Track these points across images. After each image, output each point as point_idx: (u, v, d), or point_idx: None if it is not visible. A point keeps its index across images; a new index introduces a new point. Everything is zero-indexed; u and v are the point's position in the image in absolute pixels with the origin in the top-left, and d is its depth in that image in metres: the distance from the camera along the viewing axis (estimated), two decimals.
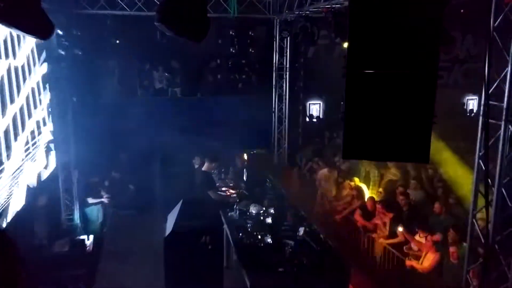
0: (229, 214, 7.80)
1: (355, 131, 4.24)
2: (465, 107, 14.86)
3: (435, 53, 4.07)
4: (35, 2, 3.33)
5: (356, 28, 4.15)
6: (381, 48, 4.11)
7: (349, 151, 4.37)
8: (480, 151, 4.84)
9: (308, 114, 14.61)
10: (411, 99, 4.09)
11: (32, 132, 7.91)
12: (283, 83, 11.90)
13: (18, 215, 6.31)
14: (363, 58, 4.15)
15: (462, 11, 10.63)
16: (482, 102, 4.69)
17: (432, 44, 4.07)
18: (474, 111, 14.27)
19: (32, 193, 7.15)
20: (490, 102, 4.65)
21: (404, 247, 7.68)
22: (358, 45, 4.17)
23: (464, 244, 5.72)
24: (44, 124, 8.83)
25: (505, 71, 4.59)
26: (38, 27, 3.37)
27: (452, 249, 6.55)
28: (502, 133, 4.67)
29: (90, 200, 9.44)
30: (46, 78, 8.81)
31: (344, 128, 4.24)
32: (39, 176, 8.23)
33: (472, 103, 14.77)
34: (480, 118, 4.74)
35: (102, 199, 9.57)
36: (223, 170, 9.91)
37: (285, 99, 12.02)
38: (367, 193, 9.78)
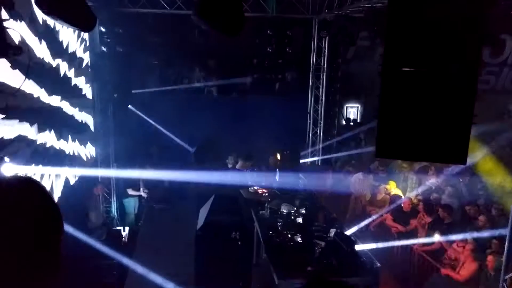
0: (260, 212, 7.81)
1: (389, 129, 4.16)
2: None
3: (477, 52, 3.95)
4: None
5: (395, 25, 4.07)
6: (419, 46, 4.01)
7: (383, 150, 4.29)
8: None
9: (345, 117, 14.44)
10: (449, 99, 3.97)
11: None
12: (319, 84, 11.81)
13: (67, 198, 6.42)
14: (401, 56, 4.07)
15: None
16: None
17: (474, 43, 3.95)
18: None
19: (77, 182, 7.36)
20: None
21: (442, 257, 7.44)
22: (396, 42, 4.09)
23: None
24: None
25: None
26: (82, 19, 3.50)
27: (490, 258, 6.31)
28: None
29: (130, 192, 9.73)
30: (89, 75, 9.15)
31: (377, 126, 4.17)
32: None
33: None
34: None
35: (141, 193, 9.84)
36: (255, 169, 9.93)
37: (321, 100, 11.91)
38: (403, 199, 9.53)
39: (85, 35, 8.44)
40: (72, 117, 7.20)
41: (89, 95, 8.87)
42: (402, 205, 8.78)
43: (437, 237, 7.62)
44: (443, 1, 3.98)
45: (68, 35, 6.61)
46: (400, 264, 8.18)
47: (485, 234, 7.23)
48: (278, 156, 9.32)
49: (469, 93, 3.94)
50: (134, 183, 9.84)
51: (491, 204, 8.34)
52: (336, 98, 13.47)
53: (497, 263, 5.93)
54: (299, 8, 10.77)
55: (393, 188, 10.00)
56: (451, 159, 4.36)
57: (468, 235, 7.18)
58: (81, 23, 3.60)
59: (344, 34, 10.33)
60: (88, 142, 8.60)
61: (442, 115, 4.02)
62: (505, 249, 5.00)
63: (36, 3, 3.31)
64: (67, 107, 6.73)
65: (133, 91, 10.68)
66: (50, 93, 5.60)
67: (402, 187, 10.08)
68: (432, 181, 9.79)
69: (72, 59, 7.26)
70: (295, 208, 7.76)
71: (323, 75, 11.66)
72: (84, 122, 8.26)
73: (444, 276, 7.00)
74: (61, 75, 6.39)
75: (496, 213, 7.98)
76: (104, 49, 9.13)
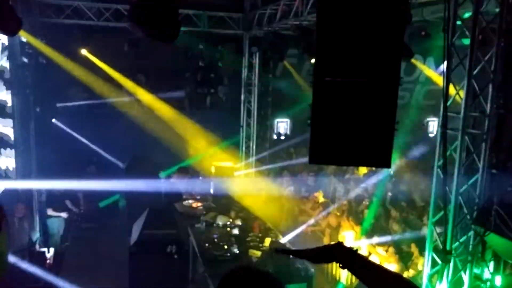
0: (195, 225, 7.72)
1: (321, 136, 4.35)
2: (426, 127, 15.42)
3: (397, 64, 4.32)
4: None
5: (323, 38, 4.31)
6: (346, 58, 4.28)
7: (315, 156, 4.47)
8: (438, 160, 5.06)
9: (275, 131, 14.79)
10: (374, 107, 4.25)
11: None
12: (251, 98, 12.02)
13: None
14: (330, 67, 4.30)
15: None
16: (441, 113, 4.92)
17: (395, 56, 4.31)
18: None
19: None
20: (449, 113, 4.90)
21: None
22: (325, 54, 4.32)
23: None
24: None
25: (462, 84, 4.86)
26: (5, 23, 3.32)
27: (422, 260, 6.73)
28: (459, 143, 4.91)
29: (50, 212, 9.14)
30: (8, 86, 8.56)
31: (310, 134, 4.36)
32: None
33: (433, 124, 15.36)
34: (439, 128, 4.96)
35: (61, 214, 9.25)
36: (189, 182, 9.84)
37: (253, 114, 12.12)
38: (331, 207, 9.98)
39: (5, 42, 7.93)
40: None
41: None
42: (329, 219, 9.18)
43: (363, 241, 8.03)
44: (365, 17, 4.31)
45: None
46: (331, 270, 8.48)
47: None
48: (213, 169, 9.31)
49: (391, 101, 4.26)
50: (58, 203, 9.28)
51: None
52: (268, 112, 13.76)
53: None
54: (230, 24, 10.98)
55: (320, 197, 10.48)
56: (378, 163, 4.66)
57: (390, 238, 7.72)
58: (5, 27, 3.41)
59: (273, 50, 10.64)
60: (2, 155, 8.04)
61: (368, 123, 4.29)
62: (427, 247, 5.40)
63: None
64: None
65: (58, 105, 10.14)
66: None
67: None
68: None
69: None
70: (231, 220, 7.78)
71: (254, 89, 11.90)
72: None
73: None
74: None
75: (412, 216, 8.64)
76: (25, 60, 8.61)
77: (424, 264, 5.56)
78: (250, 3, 10.90)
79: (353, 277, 7.71)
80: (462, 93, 4.99)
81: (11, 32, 3.46)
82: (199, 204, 8.64)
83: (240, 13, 11.03)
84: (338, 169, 11.67)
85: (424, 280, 5.44)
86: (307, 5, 7.92)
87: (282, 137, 14.73)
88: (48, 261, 8.07)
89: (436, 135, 14.72)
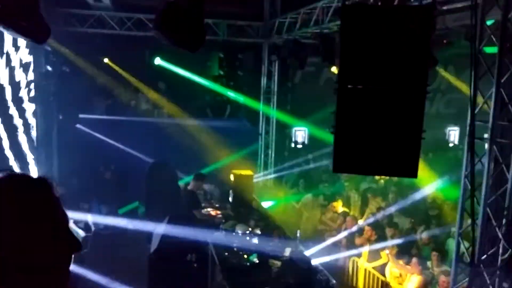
0: (214, 234, 7.69)
1: (345, 145, 4.31)
2: (447, 137, 15.16)
3: (425, 72, 4.26)
4: (33, 6, 3.34)
5: (348, 46, 4.29)
6: (371, 66, 4.25)
7: (339, 165, 4.44)
8: (466, 169, 4.94)
9: (293, 140, 14.74)
10: (400, 115, 4.20)
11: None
12: (270, 106, 12.02)
13: None
14: (354, 75, 4.28)
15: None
16: (468, 122, 4.82)
17: (421, 64, 4.25)
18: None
19: None
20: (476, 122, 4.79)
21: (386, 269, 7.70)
22: (349, 62, 4.30)
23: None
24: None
25: (490, 91, 4.74)
26: (35, 30, 3.38)
27: (443, 278, 6.55)
28: (487, 153, 4.79)
29: (71, 224, 9.19)
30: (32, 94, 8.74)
31: (334, 142, 4.31)
32: None
33: (453, 133, 15.09)
34: (466, 138, 4.85)
35: (80, 232, 9.27)
36: (208, 191, 9.84)
37: (272, 122, 12.11)
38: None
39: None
40: None
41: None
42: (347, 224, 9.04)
43: (384, 253, 7.87)
44: (390, 25, 4.26)
45: None
46: (351, 281, 8.34)
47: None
48: (232, 177, 9.29)
49: (418, 110, 4.19)
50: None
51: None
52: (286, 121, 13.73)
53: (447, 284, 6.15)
54: (249, 32, 11.02)
55: (339, 206, 10.36)
56: (403, 172, 4.59)
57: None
58: (35, 34, 3.47)
59: (293, 58, 10.62)
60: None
61: (394, 131, 4.24)
62: (453, 258, 5.26)
63: None
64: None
65: (80, 116, 10.29)
66: None
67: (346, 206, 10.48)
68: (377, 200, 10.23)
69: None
70: (250, 229, 7.73)
71: (273, 98, 11.89)
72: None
73: None
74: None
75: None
76: (49, 68, 8.79)
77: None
78: (269, 11, 10.94)
79: None
80: (490, 102, 4.88)
81: (40, 40, 3.52)
82: (218, 212, 8.61)
83: (259, 22, 11.07)
84: (352, 177, 11.55)
85: None
86: (328, 13, 7.90)
87: (299, 146, 14.67)
88: None
89: (456, 144, 14.54)
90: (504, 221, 4.72)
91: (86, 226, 9.51)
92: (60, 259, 1.04)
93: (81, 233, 9.05)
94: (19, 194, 1.00)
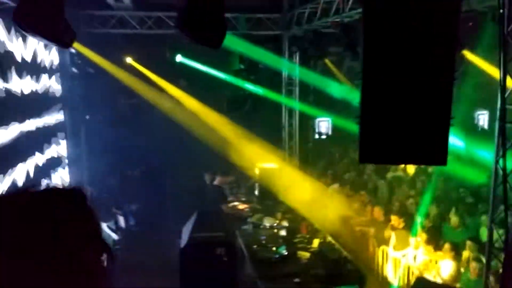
0: (242, 227, 7.77)
1: (371, 135, 4.25)
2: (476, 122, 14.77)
3: (451, 59, 4.14)
4: (59, 11, 3.41)
5: (371, 35, 4.21)
6: (396, 54, 4.16)
7: (366, 155, 4.38)
8: (497, 154, 4.81)
9: (317, 131, 14.64)
10: (428, 102, 4.11)
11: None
12: (292, 98, 11.96)
13: None
14: (379, 64, 4.20)
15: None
16: (499, 106, 4.69)
17: (449, 50, 4.14)
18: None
19: None
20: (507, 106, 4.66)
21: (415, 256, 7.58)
22: (373, 51, 4.22)
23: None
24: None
25: None
26: (62, 34, 3.45)
27: (474, 264, 6.42)
28: None
29: (104, 227, 9.40)
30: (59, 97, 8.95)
31: (360, 132, 4.26)
32: None
33: (483, 117, 14.70)
34: (497, 122, 4.72)
35: (112, 235, 9.46)
36: (234, 184, 9.91)
37: (295, 114, 12.05)
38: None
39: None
40: None
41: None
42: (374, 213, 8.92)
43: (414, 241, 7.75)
44: (415, 11, 4.16)
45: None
46: (380, 269, 8.27)
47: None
48: (257, 171, 9.32)
49: (446, 97, 4.09)
50: (110, 215, 9.50)
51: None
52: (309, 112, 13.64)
53: (478, 270, 6.03)
54: (269, 24, 10.97)
55: (366, 196, 10.14)
56: (432, 160, 4.51)
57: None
58: (61, 39, 3.55)
59: (314, 49, 10.53)
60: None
61: (422, 119, 4.15)
62: (486, 245, 5.15)
63: (14, 19, 3.24)
64: None
65: (106, 113, 10.48)
66: None
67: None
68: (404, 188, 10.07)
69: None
70: (278, 221, 7.77)
71: (295, 89, 11.83)
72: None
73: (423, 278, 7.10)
74: None
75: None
76: (75, 70, 8.98)
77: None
78: (288, 3, 10.85)
79: (406, 279, 7.50)
80: None
81: (66, 44, 3.60)
82: (245, 206, 8.68)
83: (278, 14, 11.01)
84: (379, 167, 11.41)
85: (484, 280, 5.19)
86: (349, 1, 7.78)
87: (323, 136, 14.57)
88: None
89: (486, 129, 14.14)
90: None
91: (117, 228, 9.73)
92: (91, 266, 1.07)
93: (114, 236, 9.25)
94: (54, 209, 1.03)
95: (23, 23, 3.26)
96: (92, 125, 10.03)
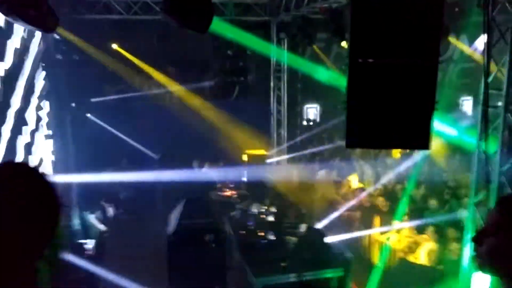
0: (231, 214, 7.82)
1: (357, 120, 4.29)
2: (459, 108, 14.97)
3: (436, 43, 4.18)
4: None
5: (358, 20, 4.22)
6: (382, 39, 4.18)
7: (352, 140, 4.43)
8: (480, 138, 4.89)
9: (305, 118, 14.69)
10: (413, 87, 4.15)
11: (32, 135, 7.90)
12: (281, 85, 11.95)
13: None
14: (365, 48, 4.22)
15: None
16: (481, 91, 4.75)
17: (434, 34, 4.17)
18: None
19: None
20: (490, 91, 4.72)
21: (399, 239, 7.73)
22: (360, 35, 4.23)
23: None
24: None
25: (503, 59, 4.65)
26: (44, 19, 3.40)
27: (456, 245, 6.56)
28: (501, 121, 4.72)
29: (92, 220, 9.33)
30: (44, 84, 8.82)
31: (346, 118, 4.30)
32: None
33: (468, 103, 14.89)
34: (480, 106, 4.79)
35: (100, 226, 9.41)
36: (222, 171, 9.93)
37: (284, 101, 12.05)
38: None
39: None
40: None
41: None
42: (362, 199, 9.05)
43: (395, 224, 7.90)
44: None
45: None
46: (366, 254, 8.42)
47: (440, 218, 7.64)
48: (245, 157, 9.35)
49: (430, 82, 4.14)
50: (96, 205, 9.42)
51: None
52: (298, 98, 13.68)
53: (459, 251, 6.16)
54: (257, 10, 10.89)
55: (353, 181, 10.31)
56: (416, 145, 4.58)
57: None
58: (43, 23, 3.49)
59: (302, 35, 10.50)
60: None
61: (407, 104, 4.20)
62: (469, 227, 5.26)
63: None
64: None
65: (92, 100, 10.39)
66: None
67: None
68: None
69: None
70: (266, 207, 7.82)
71: (283, 76, 11.81)
72: None
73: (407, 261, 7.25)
74: None
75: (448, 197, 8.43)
76: (60, 57, 8.84)
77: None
78: None
79: (391, 261, 7.64)
80: (504, 70, 4.79)
81: (49, 29, 3.54)
82: (233, 192, 8.72)
83: None
84: (365, 152, 11.54)
85: (465, 263, 5.31)
86: None
87: (311, 123, 14.62)
88: (90, 252, 8.31)
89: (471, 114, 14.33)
90: None
91: (105, 218, 9.68)
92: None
93: (101, 227, 9.22)
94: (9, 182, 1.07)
95: (4, 7, 3.20)
96: (78, 113, 9.93)
